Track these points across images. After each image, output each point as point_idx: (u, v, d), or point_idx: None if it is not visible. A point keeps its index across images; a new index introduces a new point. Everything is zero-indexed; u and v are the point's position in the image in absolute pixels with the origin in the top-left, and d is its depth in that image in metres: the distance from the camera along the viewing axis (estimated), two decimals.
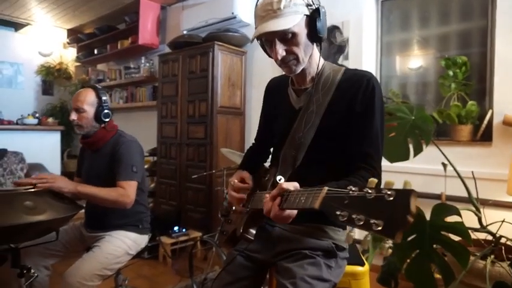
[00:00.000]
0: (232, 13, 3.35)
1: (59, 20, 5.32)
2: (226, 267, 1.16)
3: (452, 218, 1.28)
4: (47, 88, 5.93)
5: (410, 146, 1.63)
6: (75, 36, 5.53)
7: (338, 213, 0.66)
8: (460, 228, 1.18)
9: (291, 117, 1.14)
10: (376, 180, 0.67)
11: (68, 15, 5.10)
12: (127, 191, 1.63)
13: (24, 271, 1.50)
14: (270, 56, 1.10)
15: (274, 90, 1.29)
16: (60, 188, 1.50)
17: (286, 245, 1.10)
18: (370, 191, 0.62)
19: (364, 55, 2.86)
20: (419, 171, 2.43)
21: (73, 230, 1.82)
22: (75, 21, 5.38)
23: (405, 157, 1.59)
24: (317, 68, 1.10)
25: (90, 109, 1.75)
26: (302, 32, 1.02)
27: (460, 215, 1.21)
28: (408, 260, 1.24)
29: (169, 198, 3.65)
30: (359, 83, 1.04)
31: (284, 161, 1.13)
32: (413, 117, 1.61)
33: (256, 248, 1.16)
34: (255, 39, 1.07)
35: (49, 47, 5.73)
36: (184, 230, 3.09)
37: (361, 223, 0.60)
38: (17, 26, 5.51)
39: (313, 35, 1.03)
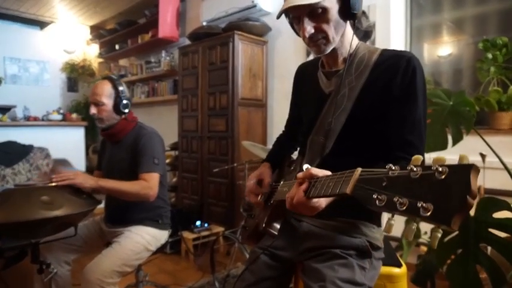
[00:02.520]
0: (253, 1, 3.24)
1: (81, 16, 5.38)
2: (249, 267, 1.07)
3: (499, 214, 1.14)
4: (71, 85, 6.04)
5: (448, 135, 1.49)
6: (97, 32, 5.59)
7: (375, 196, 0.55)
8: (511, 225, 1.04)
9: (321, 102, 1.03)
10: (421, 157, 0.54)
11: (89, 12, 5.15)
12: (150, 183, 1.58)
13: (44, 267, 1.48)
14: (298, 34, 1.00)
15: (304, 75, 1.20)
16: (81, 183, 1.48)
17: (314, 242, 1.00)
18: (415, 169, 0.50)
19: (392, 41, 2.69)
20: (453, 163, 2.26)
21: (93, 225, 1.80)
22: (96, 18, 5.43)
23: (443, 146, 1.44)
24: (350, 48, 0.99)
25: (108, 101, 1.71)
26: (333, 7, 0.92)
27: (511, 210, 1.07)
28: (449, 260, 1.12)
29: (191, 193, 3.61)
30: (398, 64, 0.92)
31: (311, 148, 1.04)
32: (451, 103, 1.47)
33: (281, 245, 1.07)
34: (283, 15, 0.97)
35: (73, 45, 5.82)
36: (206, 224, 3.04)
37: (404, 208, 0.49)
38: (42, 25, 5.62)
39: (346, 11, 0.93)
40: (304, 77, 1.19)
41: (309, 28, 0.92)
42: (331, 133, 0.98)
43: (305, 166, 0.94)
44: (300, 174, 0.80)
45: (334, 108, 0.98)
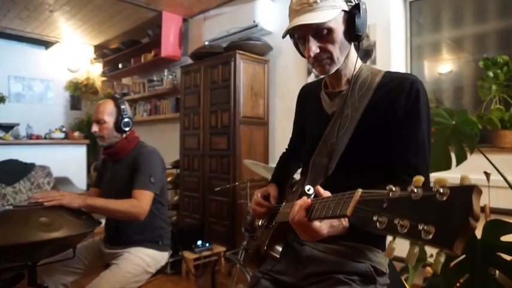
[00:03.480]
0: (254, 21, 3.29)
1: (86, 36, 5.47)
2: None
3: (507, 237, 1.11)
4: (75, 103, 6.09)
5: (452, 154, 1.47)
6: (101, 51, 5.67)
7: (375, 219, 0.53)
8: None
9: (324, 122, 1.03)
10: (422, 178, 0.52)
11: (94, 32, 5.23)
12: (140, 202, 1.56)
13: None
14: (302, 55, 1.01)
15: (307, 95, 1.20)
16: (69, 203, 1.46)
17: (317, 267, 0.97)
18: (416, 190, 0.49)
19: (392, 59, 2.71)
20: (456, 182, 2.24)
21: (92, 246, 1.77)
22: (101, 37, 5.52)
23: (447, 166, 1.43)
24: (354, 69, 1.00)
25: (110, 119, 1.72)
26: (339, 28, 0.93)
27: None
28: (458, 284, 1.08)
29: (192, 211, 3.58)
30: (401, 86, 0.91)
31: (314, 169, 1.03)
32: (453, 122, 1.46)
33: (282, 270, 1.04)
34: (288, 35, 0.99)
35: (77, 63, 5.90)
36: (207, 244, 3.00)
37: (405, 230, 0.48)
38: (47, 44, 5.71)
39: (351, 33, 0.94)
40: (308, 97, 1.19)
41: (314, 48, 0.93)
42: (334, 154, 0.97)
43: (307, 188, 0.93)
44: (305, 197, 0.80)
45: (337, 129, 0.98)
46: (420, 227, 0.46)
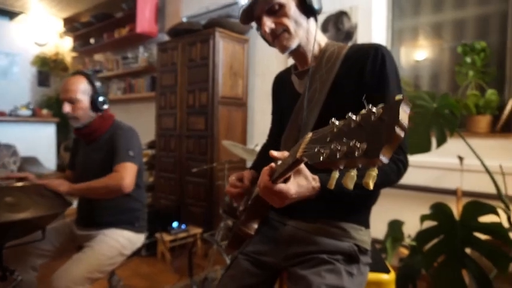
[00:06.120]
0: None
1: (54, 7, 5.15)
2: (229, 272, 1.02)
3: (484, 218, 1.13)
4: (42, 79, 5.77)
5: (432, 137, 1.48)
6: (71, 25, 5.36)
7: (317, 150, 0.54)
8: (498, 230, 1.03)
9: (295, 102, 1.03)
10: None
11: (62, 3, 4.93)
12: (121, 173, 1.49)
13: (8, 273, 1.37)
14: (268, 43, 1.04)
15: (280, 83, 1.21)
16: (58, 185, 1.43)
17: (299, 247, 0.95)
18: (354, 118, 0.49)
19: (373, 42, 2.70)
20: (430, 165, 2.29)
21: (63, 227, 1.68)
22: (70, 10, 5.21)
23: (426, 149, 1.44)
24: (314, 42, 1.00)
25: (84, 97, 1.59)
26: (290, 3, 0.95)
27: (497, 213, 1.06)
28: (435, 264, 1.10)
29: (168, 193, 3.51)
30: (367, 54, 0.91)
31: (285, 145, 1.02)
32: (435, 105, 1.46)
33: (264, 250, 1.02)
34: (254, 28, 1.00)
35: (45, 37, 5.57)
36: (184, 226, 2.96)
37: (342, 153, 0.48)
38: (11, 15, 5.34)
39: (305, 7, 0.96)
40: (281, 85, 1.19)
41: (269, 23, 0.95)
42: (304, 127, 0.97)
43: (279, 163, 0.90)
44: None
45: (306, 102, 0.98)
46: (353, 144, 0.47)
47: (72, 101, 1.57)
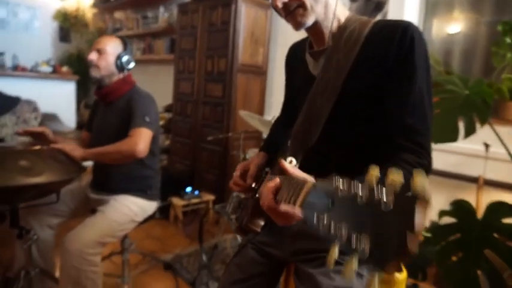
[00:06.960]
0: None
1: None
2: (236, 260, 1.01)
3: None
4: (64, 35, 5.75)
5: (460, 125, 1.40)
6: None
7: (317, 217, 0.47)
8: None
9: (309, 86, 0.90)
10: (377, 173, 0.42)
11: None
12: (135, 138, 1.48)
13: (24, 232, 1.42)
14: (281, 16, 0.88)
15: (293, 58, 1.06)
16: (71, 150, 1.44)
17: (307, 243, 0.90)
18: (361, 194, 0.42)
19: (406, 15, 2.53)
20: (452, 149, 2.20)
21: (78, 190, 1.72)
22: None
23: (453, 138, 1.35)
24: (333, 18, 0.85)
25: (112, 52, 1.63)
26: None
27: None
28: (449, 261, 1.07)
29: (183, 157, 3.54)
30: (392, 35, 0.77)
31: (296, 137, 0.91)
32: (466, 92, 1.36)
33: (271, 242, 0.99)
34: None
35: None
36: (196, 192, 2.99)
37: (341, 241, 0.43)
38: None
39: None
40: (294, 60, 1.05)
41: None
42: (317, 118, 0.86)
43: (289, 159, 0.85)
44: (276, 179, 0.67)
45: (320, 90, 0.86)
46: (356, 240, 0.41)
47: (100, 51, 1.61)
